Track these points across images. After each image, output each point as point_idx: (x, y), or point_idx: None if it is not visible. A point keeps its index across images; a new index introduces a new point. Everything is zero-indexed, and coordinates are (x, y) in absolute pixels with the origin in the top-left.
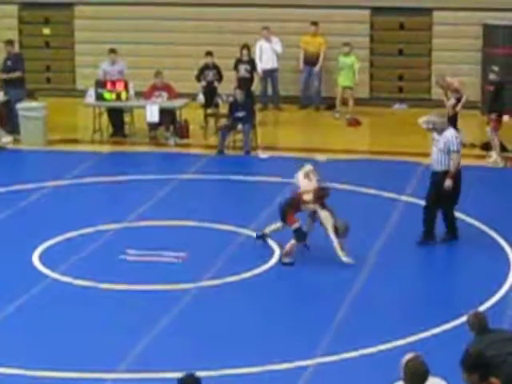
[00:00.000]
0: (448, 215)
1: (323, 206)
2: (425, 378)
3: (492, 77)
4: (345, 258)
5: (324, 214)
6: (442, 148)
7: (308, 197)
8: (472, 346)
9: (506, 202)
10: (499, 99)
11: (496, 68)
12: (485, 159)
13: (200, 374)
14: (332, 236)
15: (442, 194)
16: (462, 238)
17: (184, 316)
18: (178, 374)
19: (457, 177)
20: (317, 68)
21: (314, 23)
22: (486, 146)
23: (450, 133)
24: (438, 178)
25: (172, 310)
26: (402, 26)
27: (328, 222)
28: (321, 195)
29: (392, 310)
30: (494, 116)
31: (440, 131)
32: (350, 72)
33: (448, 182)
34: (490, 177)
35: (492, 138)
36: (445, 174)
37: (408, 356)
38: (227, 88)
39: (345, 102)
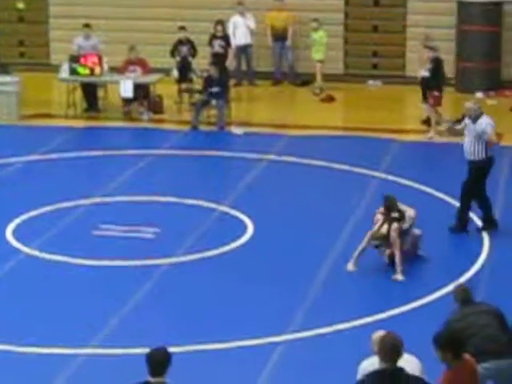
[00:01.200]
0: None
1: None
2: (399, 353)
3: (431, 54)
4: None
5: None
6: (475, 136)
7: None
8: (448, 320)
9: None
10: (438, 75)
11: (434, 44)
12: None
13: (172, 349)
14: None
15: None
16: (436, 215)
17: (156, 292)
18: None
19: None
20: (288, 43)
21: None
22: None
23: (484, 120)
24: (472, 166)
25: (144, 285)
26: (376, 3)
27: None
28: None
29: (364, 287)
30: (434, 92)
31: (474, 119)
32: (320, 46)
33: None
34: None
35: (430, 113)
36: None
37: (381, 332)
38: (202, 64)
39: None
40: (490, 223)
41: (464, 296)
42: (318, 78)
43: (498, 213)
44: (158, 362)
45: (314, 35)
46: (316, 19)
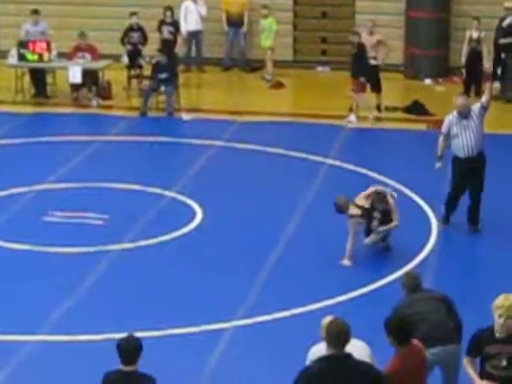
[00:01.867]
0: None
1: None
2: (346, 339)
3: (354, 39)
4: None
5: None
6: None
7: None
8: (397, 307)
9: (426, 164)
10: (362, 61)
11: (358, 30)
12: (407, 123)
13: (119, 336)
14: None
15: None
16: None
17: (105, 278)
18: (99, 337)
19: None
20: (243, 29)
21: None
22: (409, 109)
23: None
24: (482, 157)
25: (94, 272)
26: None
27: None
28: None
29: (314, 273)
30: (360, 79)
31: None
32: (269, 34)
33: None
34: (411, 139)
35: (355, 99)
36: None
37: (329, 317)
38: (151, 50)
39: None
40: (447, 219)
41: (412, 283)
42: (269, 65)
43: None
44: (129, 350)
45: (264, 22)
46: (266, 6)
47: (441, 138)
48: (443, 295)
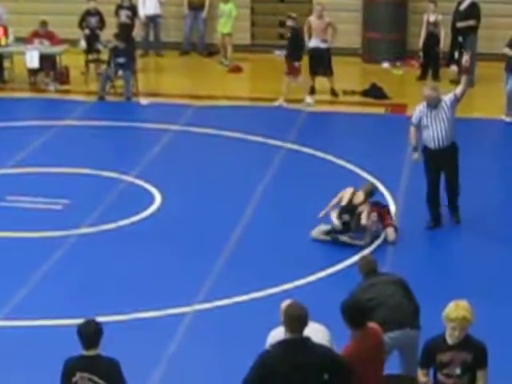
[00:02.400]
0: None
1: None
2: (305, 323)
3: (290, 23)
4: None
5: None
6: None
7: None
8: (353, 293)
9: (386, 148)
10: (296, 45)
11: (294, 14)
12: (365, 106)
13: (79, 321)
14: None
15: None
16: (341, 184)
17: (63, 263)
18: (56, 322)
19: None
20: (204, 13)
21: None
22: (366, 93)
23: (444, 98)
24: (455, 149)
25: (52, 257)
26: None
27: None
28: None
29: (274, 257)
30: (294, 63)
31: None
32: (228, 19)
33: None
34: (369, 123)
35: (288, 83)
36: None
37: (288, 301)
38: (109, 34)
39: (224, 49)
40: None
41: (368, 267)
42: (229, 49)
43: (403, 184)
44: (89, 334)
45: (224, 7)
46: None
47: (412, 129)
48: (399, 278)
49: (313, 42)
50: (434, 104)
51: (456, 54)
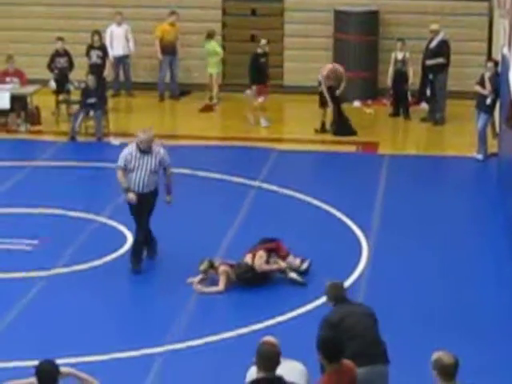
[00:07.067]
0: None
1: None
2: (277, 362)
3: (259, 50)
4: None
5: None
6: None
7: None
8: (324, 321)
9: (354, 187)
10: (259, 70)
11: (264, 41)
12: (336, 145)
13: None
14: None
15: None
16: (317, 223)
17: (34, 305)
18: (28, 363)
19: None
20: (178, 56)
21: (173, 12)
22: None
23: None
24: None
25: (21, 299)
26: (254, 12)
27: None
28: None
29: (246, 296)
30: (254, 87)
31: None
32: (214, 58)
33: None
34: (340, 161)
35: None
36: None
37: (261, 340)
38: (79, 74)
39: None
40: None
41: (337, 293)
42: (215, 89)
43: (375, 222)
44: (47, 374)
45: (207, 46)
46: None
47: (119, 173)
48: (371, 311)
49: None
50: (145, 148)
51: (427, 92)
